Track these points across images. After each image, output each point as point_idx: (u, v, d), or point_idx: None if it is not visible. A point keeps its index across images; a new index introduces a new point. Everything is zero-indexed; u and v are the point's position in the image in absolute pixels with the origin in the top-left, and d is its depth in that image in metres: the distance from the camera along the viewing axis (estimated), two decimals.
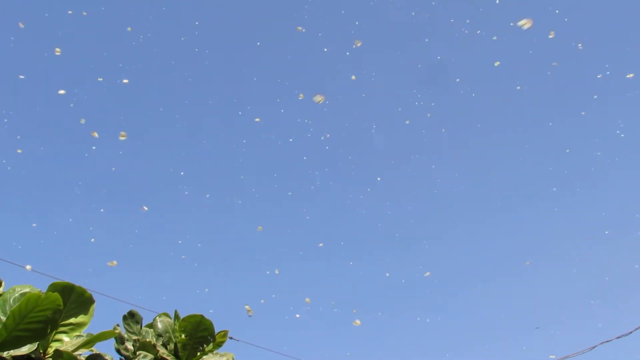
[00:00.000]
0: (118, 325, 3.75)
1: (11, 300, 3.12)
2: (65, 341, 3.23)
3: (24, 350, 3.07)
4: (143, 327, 3.83)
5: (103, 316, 3.73)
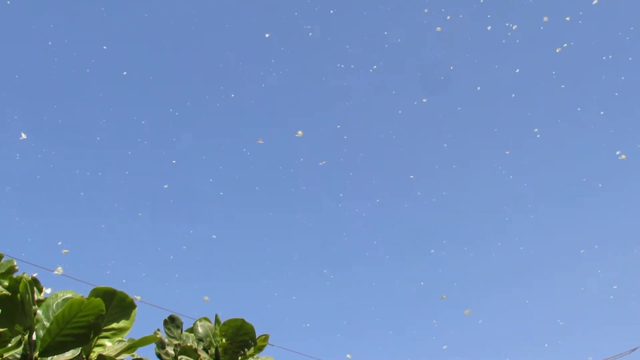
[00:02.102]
0: (159, 330, 3.75)
1: (54, 306, 3.13)
2: (108, 346, 3.23)
3: (68, 355, 3.08)
4: (184, 332, 3.82)
5: (144, 321, 3.73)
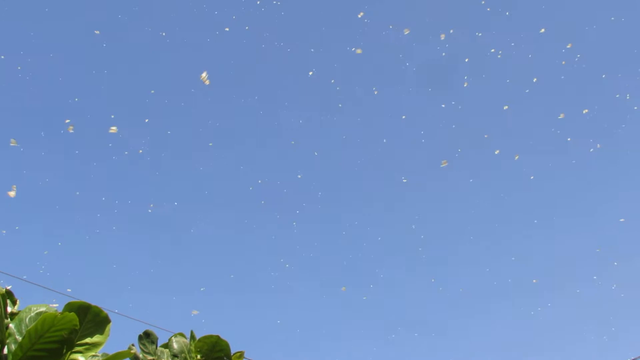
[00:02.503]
0: (133, 345, 3.73)
1: (27, 320, 3.10)
2: None
3: None
4: (158, 348, 3.80)
5: (119, 336, 3.71)
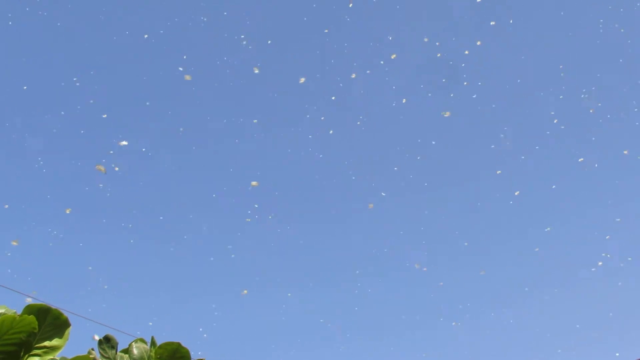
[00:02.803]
0: (93, 349, 3.70)
1: None
2: None
3: None
4: (118, 353, 3.78)
5: (78, 339, 3.68)
